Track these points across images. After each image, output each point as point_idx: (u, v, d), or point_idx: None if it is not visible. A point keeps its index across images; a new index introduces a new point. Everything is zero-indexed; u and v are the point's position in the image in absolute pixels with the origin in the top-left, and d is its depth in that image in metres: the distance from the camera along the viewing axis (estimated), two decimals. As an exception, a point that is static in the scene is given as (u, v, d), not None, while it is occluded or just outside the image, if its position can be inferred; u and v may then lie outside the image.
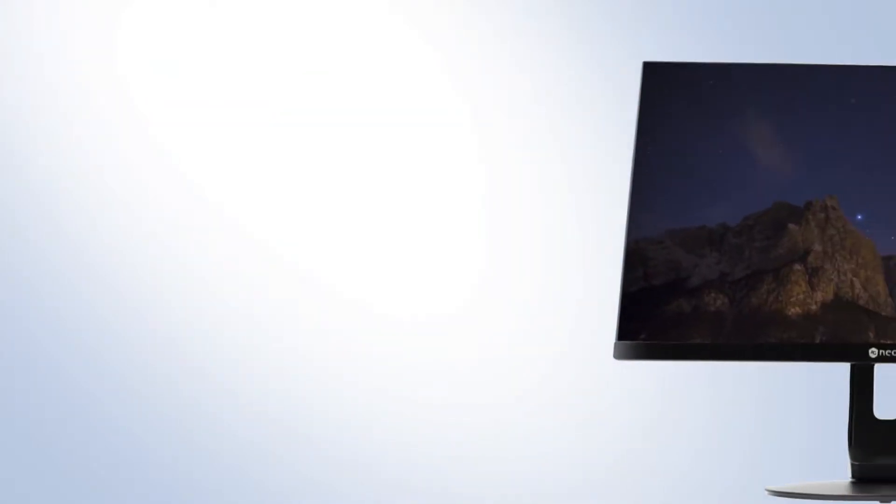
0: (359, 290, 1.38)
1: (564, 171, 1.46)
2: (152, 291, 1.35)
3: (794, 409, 1.27)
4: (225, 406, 1.31)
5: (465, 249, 1.37)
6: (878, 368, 1.02)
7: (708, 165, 1.00)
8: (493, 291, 1.36)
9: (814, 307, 0.96)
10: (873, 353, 0.99)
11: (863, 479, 0.88)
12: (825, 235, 1.00)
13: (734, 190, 1.00)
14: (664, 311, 0.92)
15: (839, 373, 0.98)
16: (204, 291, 1.36)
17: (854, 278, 1.01)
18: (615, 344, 0.89)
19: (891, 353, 1.00)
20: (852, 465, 0.90)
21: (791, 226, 0.99)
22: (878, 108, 1.10)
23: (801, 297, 0.96)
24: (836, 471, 0.95)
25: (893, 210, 1.08)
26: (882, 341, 0.99)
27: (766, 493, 0.88)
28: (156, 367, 1.32)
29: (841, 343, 0.97)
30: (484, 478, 1.29)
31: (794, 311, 0.95)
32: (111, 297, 1.33)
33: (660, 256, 0.94)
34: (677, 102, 1.05)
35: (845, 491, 0.84)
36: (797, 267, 0.97)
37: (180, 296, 1.35)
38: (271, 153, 1.42)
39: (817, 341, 0.95)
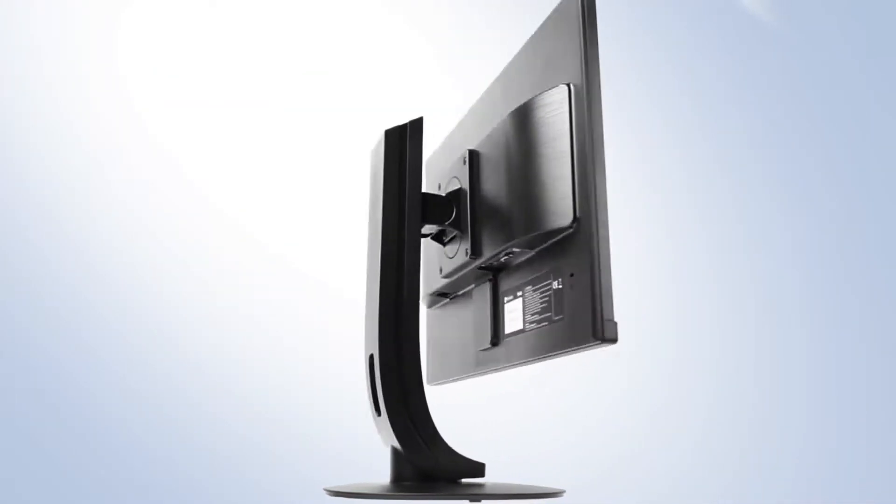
0: (359, 290, 1.38)
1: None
2: (152, 291, 1.35)
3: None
4: (225, 406, 1.31)
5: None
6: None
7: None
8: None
9: None
10: None
11: (402, 476, 0.86)
12: None
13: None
14: None
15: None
16: (204, 291, 1.35)
17: None
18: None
19: None
20: (394, 463, 0.87)
21: None
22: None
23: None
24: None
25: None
26: None
27: (325, 492, 0.87)
28: (155, 366, 1.32)
29: None
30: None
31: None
32: (111, 296, 1.33)
33: None
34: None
35: (390, 490, 0.84)
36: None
37: (180, 295, 1.35)
38: (271, 153, 1.42)
39: None
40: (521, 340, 0.83)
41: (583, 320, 0.70)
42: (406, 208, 0.85)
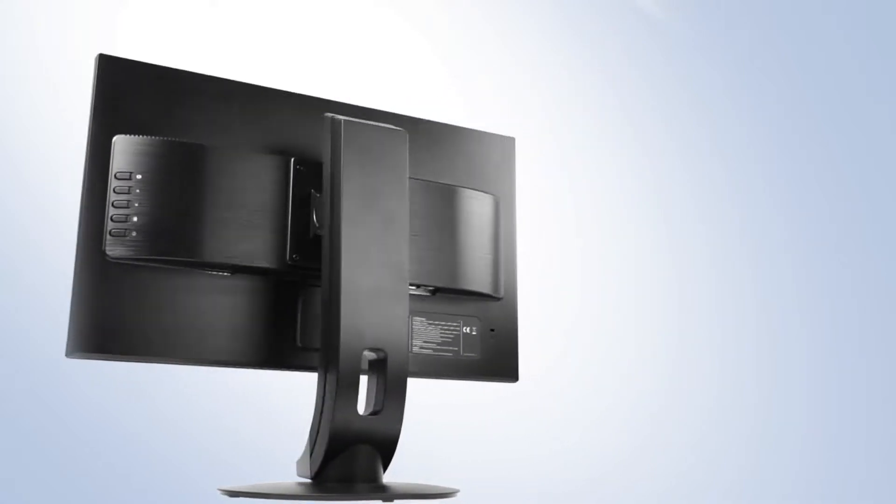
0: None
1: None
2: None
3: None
4: (224, 405, 1.31)
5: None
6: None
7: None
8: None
9: None
10: None
11: (316, 478, 0.86)
12: None
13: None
14: None
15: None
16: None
17: None
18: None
19: None
20: (311, 465, 0.87)
21: None
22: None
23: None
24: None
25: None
26: None
27: (220, 492, 0.86)
28: (154, 365, 1.31)
29: None
30: (481, 477, 1.28)
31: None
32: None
33: None
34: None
35: (295, 490, 0.84)
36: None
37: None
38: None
39: None
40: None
41: (505, 364, 1.05)
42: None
